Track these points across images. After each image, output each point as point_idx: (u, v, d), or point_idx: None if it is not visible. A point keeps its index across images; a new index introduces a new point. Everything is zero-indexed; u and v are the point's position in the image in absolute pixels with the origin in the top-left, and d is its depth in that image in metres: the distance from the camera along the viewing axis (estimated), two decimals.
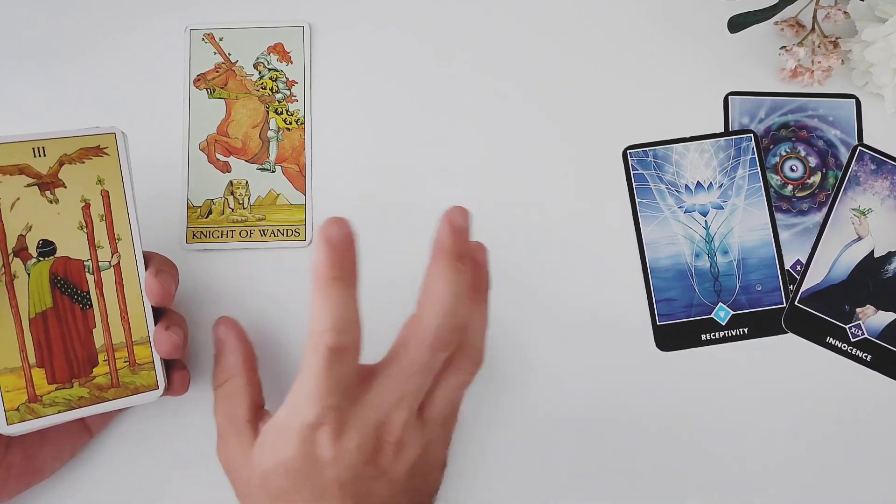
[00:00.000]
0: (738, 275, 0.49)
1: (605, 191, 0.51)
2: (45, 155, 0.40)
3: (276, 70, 0.52)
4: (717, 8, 0.52)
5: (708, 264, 0.49)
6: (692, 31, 0.53)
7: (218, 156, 0.51)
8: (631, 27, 0.53)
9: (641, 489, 0.47)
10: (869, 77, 0.51)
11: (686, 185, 0.51)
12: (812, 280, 0.49)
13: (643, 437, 0.47)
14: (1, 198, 0.39)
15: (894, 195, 0.50)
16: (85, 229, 0.41)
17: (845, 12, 0.50)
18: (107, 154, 0.41)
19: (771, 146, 0.51)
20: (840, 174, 0.51)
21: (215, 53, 0.52)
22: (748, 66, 0.53)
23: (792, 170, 0.51)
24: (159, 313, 0.43)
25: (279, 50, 0.52)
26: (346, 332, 0.33)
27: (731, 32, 0.49)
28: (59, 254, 0.40)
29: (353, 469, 0.36)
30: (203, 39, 0.52)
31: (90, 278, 0.41)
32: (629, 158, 0.51)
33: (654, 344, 0.48)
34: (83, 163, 0.41)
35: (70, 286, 0.40)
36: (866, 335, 0.48)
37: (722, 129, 0.51)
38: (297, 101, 0.52)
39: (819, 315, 0.49)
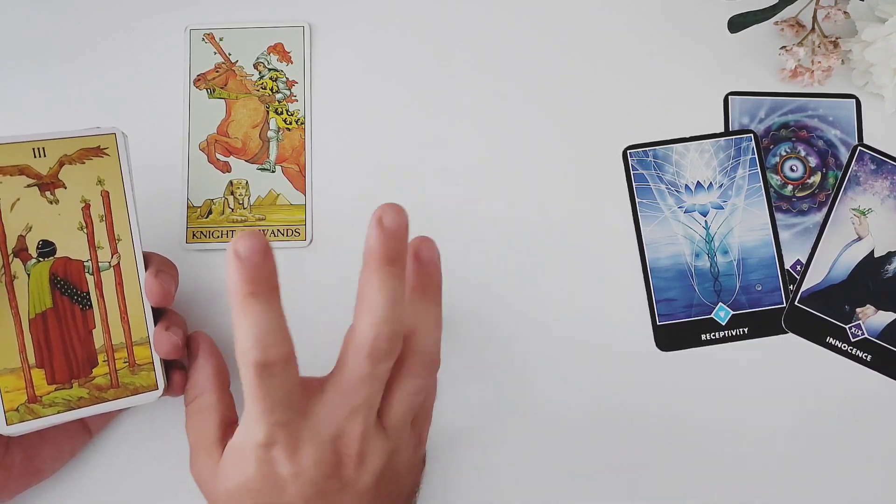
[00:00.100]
0: (738, 275, 0.49)
1: (605, 191, 0.51)
2: (45, 155, 0.40)
3: (276, 70, 0.52)
4: (717, 8, 0.52)
5: (708, 264, 0.49)
6: (692, 31, 0.53)
7: (218, 156, 0.51)
8: (631, 27, 0.53)
9: (641, 489, 0.47)
10: (869, 77, 0.51)
11: (686, 185, 0.50)
12: (812, 280, 0.49)
13: (643, 436, 0.47)
14: (1, 198, 0.39)
15: (894, 195, 0.50)
16: (85, 230, 0.41)
17: (845, 12, 0.50)
18: (107, 154, 0.41)
19: (771, 146, 0.51)
20: (840, 174, 0.51)
21: (215, 53, 0.52)
22: (748, 66, 0.53)
23: (792, 170, 0.51)
24: (159, 314, 0.43)
25: (279, 50, 0.52)
26: (271, 346, 0.32)
27: (731, 32, 0.49)
28: (59, 254, 0.40)
29: (316, 484, 0.35)
30: (203, 39, 0.52)
31: (90, 279, 0.41)
32: (629, 158, 0.51)
33: (654, 344, 0.48)
34: (83, 163, 0.41)
35: (70, 287, 0.40)
36: (866, 335, 0.48)
37: (722, 129, 0.51)
38: (297, 101, 0.52)
39: (819, 315, 0.49)
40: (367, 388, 0.35)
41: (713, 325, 0.49)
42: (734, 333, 0.49)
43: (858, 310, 0.49)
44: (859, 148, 0.51)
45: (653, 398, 0.48)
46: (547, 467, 0.47)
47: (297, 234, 0.50)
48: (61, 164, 0.40)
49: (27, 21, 0.53)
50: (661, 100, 0.52)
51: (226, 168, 0.50)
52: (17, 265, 0.39)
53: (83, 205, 0.41)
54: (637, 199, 0.50)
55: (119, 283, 0.41)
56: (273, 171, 0.50)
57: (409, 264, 0.35)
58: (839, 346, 0.48)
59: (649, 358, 0.48)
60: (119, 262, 0.41)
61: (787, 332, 0.49)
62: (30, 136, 0.40)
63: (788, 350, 0.48)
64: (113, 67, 0.52)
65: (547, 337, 0.48)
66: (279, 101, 0.52)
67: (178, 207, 0.50)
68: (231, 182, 0.50)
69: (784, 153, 0.51)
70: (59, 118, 0.51)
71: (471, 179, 0.51)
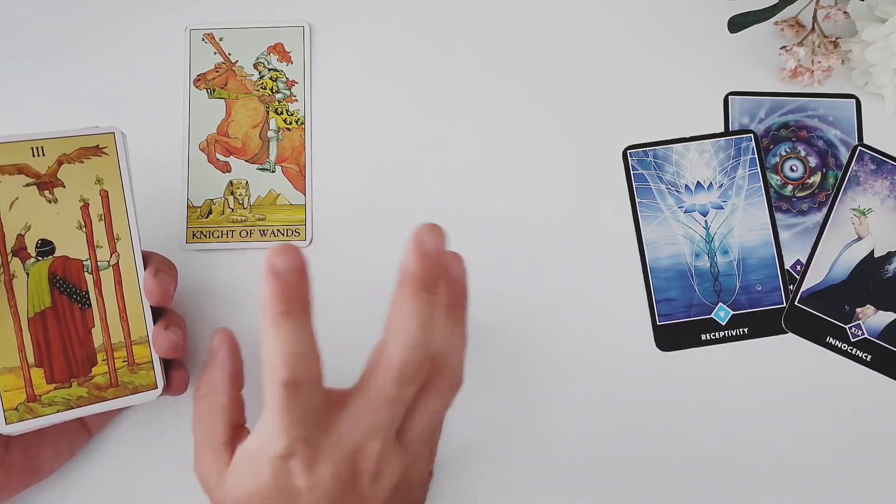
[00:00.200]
0: (738, 275, 0.49)
1: (605, 191, 0.51)
2: (43, 154, 0.40)
3: (276, 70, 0.52)
4: (717, 8, 0.52)
5: (708, 264, 0.49)
6: (692, 31, 0.53)
7: (218, 156, 0.51)
8: (631, 27, 0.53)
9: (641, 489, 0.46)
10: (869, 77, 0.51)
11: (686, 185, 0.50)
12: (812, 280, 0.49)
13: (643, 436, 0.47)
14: (0, 197, 0.39)
15: (894, 195, 0.50)
16: (84, 229, 0.41)
17: (845, 12, 0.50)
18: (106, 154, 0.41)
19: (771, 146, 0.51)
20: (840, 174, 0.51)
21: (215, 53, 0.52)
22: (748, 66, 0.53)
23: (792, 170, 0.51)
24: (158, 313, 0.43)
25: (279, 50, 0.52)
26: (300, 367, 0.32)
27: (731, 32, 0.49)
28: (57, 253, 0.40)
29: (331, 498, 0.35)
30: (203, 39, 0.52)
31: (89, 278, 0.41)
32: (629, 158, 0.51)
33: (654, 344, 0.48)
34: (82, 162, 0.41)
35: (69, 286, 0.40)
36: (866, 335, 0.48)
37: (722, 129, 0.51)
38: (297, 101, 0.52)
39: (819, 315, 0.49)
40: (391, 410, 0.34)
41: (713, 325, 0.49)
42: (734, 333, 0.49)
43: (858, 310, 0.49)
44: (859, 148, 0.51)
45: (653, 398, 0.48)
46: (546, 467, 0.47)
47: (297, 234, 0.50)
48: (60, 163, 0.40)
49: (27, 21, 0.53)
50: (661, 100, 0.52)
51: (226, 168, 0.50)
52: (16, 264, 0.39)
53: (82, 204, 0.41)
54: (637, 199, 0.50)
55: (118, 283, 0.41)
56: (273, 171, 0.50)
57: None
58: (839, 346, 0.48)
59: (649, 358, 0.48)
60: (118, 262, 0.41)
61: (787, 332, 0.49)
62: (28, 135, 0.40)
63: (788, 350, 0.48)
64: (113, 67, 0.52)
65: (547, 337, 0.48)
66: (279, 101, 0.52)
67: (178, 207, 0.50)
68: (231, 182, 0.50)
69: (784, 153, 0.51)
70: (59, 118, 0.51)
71: (471, 179, 0.51)
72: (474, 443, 0.47)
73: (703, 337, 0.49)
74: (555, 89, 0.52)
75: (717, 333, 0.49)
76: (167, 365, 0.43)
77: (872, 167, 0.50)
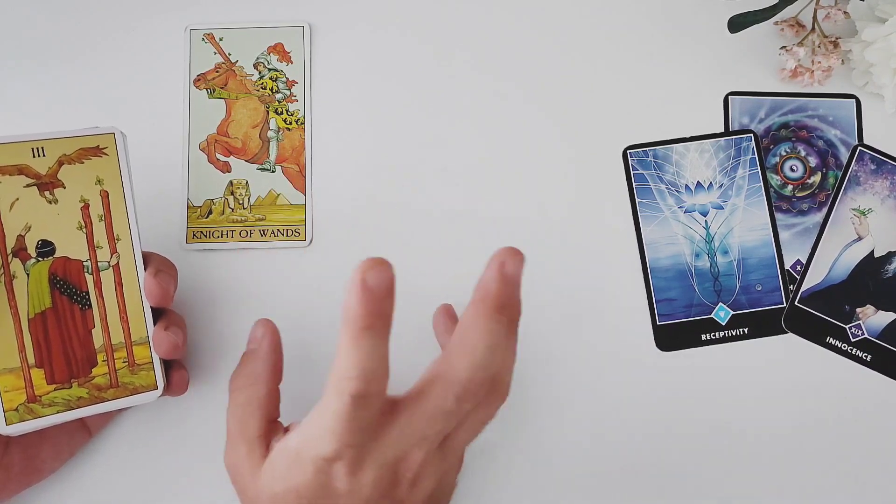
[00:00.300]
0: (738, 275, 0.49)
1: (605, 191, 0.51)
2: (44, 155, 0.40)
3: (276, 70, 0.52)
4: (717, 8, 0.52)
5: (708, 264, 0.49)
6: (692, 31, 0.53)
7: (218, 156, 0.51)
8: (631, 27, 0.53)
9: (641, 489, 0.46)
10: (869, 77, 0.51)
11: (686, 185, 0.50)
12: (812, 280, 0.49)
13: (643, 436, 0.47)
14: (0, 198, 0.39)
15: (894, 195, 0.50)
16: (84, 229, 0.41)
17: (845, 12, 0.50)
18: (106, 154, 0.41)
19: (771, 146, 0.51)
20: (840, 174, 0.51)
21: (215, 53, 0.52)
22: (748, 66, 0.53)
23: (792, 170, 0.51)
24: (158, 313, 0.43)
25: (279, 50, 0.52)
26: (373, 381, 0.31)
27: (731, 32, 0.49)
28: (58, 254, 0.40)
29: (369, 502, 0.35)
30: (203, 39, 0.52)
31: (89, 278, 0.41)
32: (629, 158, 0.51)
33: (654, 344, 0.48)
34: (82, 163, 0.41)
35: (69, 286, 0.40)
36: (866, 335, 0.48)
37: (722, 129, 0.51)
38: (297, 101, 0.52)
39: (819, 315, 0.49)
40: (445, 423, 0.34)
41: (713, 325, 0.49)
42: (734, 333, 0.49)
43: (858, 310, 0.49)
44: (859, 148, 0.51)
45: (653, 398, 0.48)
46: (546, 467, 0.47)
47: (297, 234, 0.49)
48: (60, 163, 0.40)
49: (27, 21, 0.53)
50: (661, 100, 0.52)
51: (226, 168, 0.50)
52: (16, 265, 0.39)
53: (82, 204, 0.41)
54: (637, 199, 0.50)
55: (118, 283, 0.41)
56: (273, 171, 0.50)
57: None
58: (839, 346, 0.48)
59: (649, 358, 0.48)
60: (118, 262, 0.41)
61: (787, 332, 0.49)
62: (29, 135, 0.40)
63: (788, 350, 0.48)
64: (113, 67, 0.52)
65: (546, 337, 0.48)
66: (279, 101, 0.52)
67: (178, 207, 0.50)
68: (231, 182, 0.50)
69: (784, 153, 0.51)
70: (59, 118, 0.51)
71: (471, 179, 0.51)
72: (474, 442, 0.47)
73: (703, 337, 0.49)
74: (555, 89, 0.52)
75: (717, 333, 0.49)
76: (167, 365, 0.43)
77: (872, 167, 0.50)
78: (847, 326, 0.48)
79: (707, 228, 0.50)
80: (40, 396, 0.39)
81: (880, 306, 0.49)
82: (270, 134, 0.51)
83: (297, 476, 0.35)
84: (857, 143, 0.51)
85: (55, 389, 0.40)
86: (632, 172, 0.51)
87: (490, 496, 0.46)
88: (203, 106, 0.51)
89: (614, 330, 0.49)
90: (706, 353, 0.48)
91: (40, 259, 0.40)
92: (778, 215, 0.50)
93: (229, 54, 0.52)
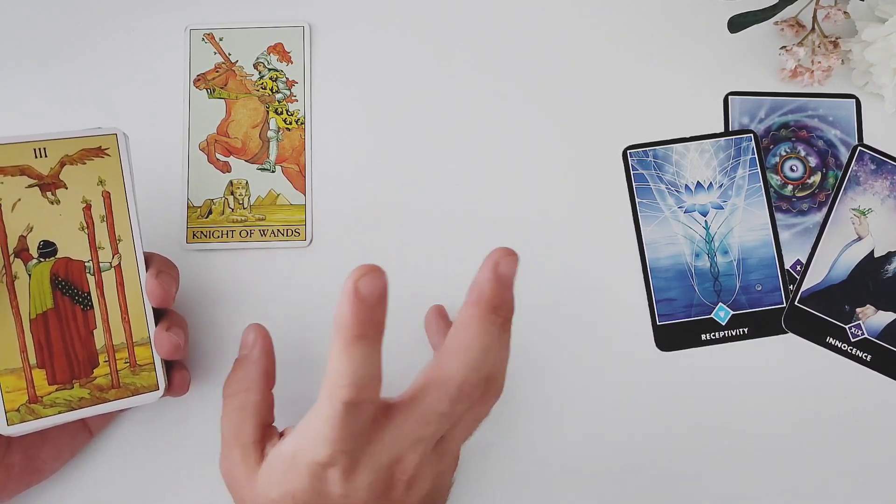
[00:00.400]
0: (738, 275, 0.49)
1: (605, 191, 0.51)
2: (46, 156, 0.40)
3: (276, 70, 0.52)
4: (717, 8, 0.52)
5: (708, 264, 0.49)
6: (692, 31, 0.53)
7: (218, 156, 0.51)
8: (631, 27, 0.53)
9: (641, 488, 0.47)
10: (869, 77, 0.51)
11: (686, 185, 0.51)
12: (812, 280, 0.49)
13: (643, 436, 0.47)
14: (2, 198, 0.39)
15: (894, 195, 0.50)
16: (86, 230, 0.41)
17: (845, 12, 0.50)
18: (108, 155, 0.41)
19: (771, 146, 0.51)
20: (840, 174, 0.51)
21: (215, 53, 0.52)
22: (748, 66, 0.53)
23: (792, 170, 0.51)
24: (160, 314, 0.43)
25: (279, 50, 0.52)
26: (365, 388, 0.31)
27: (731, 32, 0.49)
28: (60, 255, 0.40)
29: None
30: (203, 39, 0.52)
31: (91, 279, 0.41)
32: (629, 158, 0.51)
33: (654, 344, 0.49)
34: (84, 163, 0.41)
35: (71, 287, 0.40)
36: (866, 335, 0.48)
37: (722, 129, 0.51)
38: (297, 101, 0.52)
39: (819, 315, 0.49)
40: (439, 425, 0.34)
41: (713, 325, 0.49)
42: (734, 333, 0.49)
43: (858, 310, 0.49)
44: (859, 148, 0.51)
45: (653, 398, 0.48)
46: (546, 467, 0.47)
47: (297, 234, 0.50)
48: (62, 164, 0.40)
49: (27, 21, 0.53)
50: (661, 100, 0.52)
51: (226, 168, 0.50)
52: (18, 265, 0.39)
53: (84, 205, 0.41)
54: (637, 199, 0.50)
55: (120, 284, 0.41)
56: (273, 171, 0.50)
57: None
58: (839, 346, 0.48)
59: (649, 358, 0.48)
60: (120, 263, 0.41)
61: (787, 332, 0.49)
62: (31, 136, 0.40)
63: (788, 350, 0.48)
64: (113, 67, 0.52)
65: (546, 337, 0.48)
66: (279, 101, 0.52)
67: (178, 207, 0.50)
68: (231, 182, 0.50)
69: (784, 153, 0.51)
70: (59, 118, 0.51)
71: (471, 179, 0.51)
72: (474, 442, 0.47)
73: (703, 337, 0.49)
74: (555, 89, 0.52)
75: (717, 333, 0.49)
76: (169, 366, 0.43)
77: (872, 167, 0.51)
78: (847, 326, 0.49)
79: (707, 228, 0.50)
80: (42, 397, 0.39)
81: (880, 306, 0.49)
82: (270, 134, 0.51)
83: (292, 481, 0.35)
84: (857, 143, 0.51)
85: (56, 390, 0.40)
86: (632, 172, 0.51)
87: (490, 496, 0.46)
88: (203, 106, 0.51)
89: (614, 330, 0.49)
90: (706, 353, 0.48)
91: (42, 260, 0.40)
92: (778, 215, 0.50)
93: (229, 54, 0.52)
